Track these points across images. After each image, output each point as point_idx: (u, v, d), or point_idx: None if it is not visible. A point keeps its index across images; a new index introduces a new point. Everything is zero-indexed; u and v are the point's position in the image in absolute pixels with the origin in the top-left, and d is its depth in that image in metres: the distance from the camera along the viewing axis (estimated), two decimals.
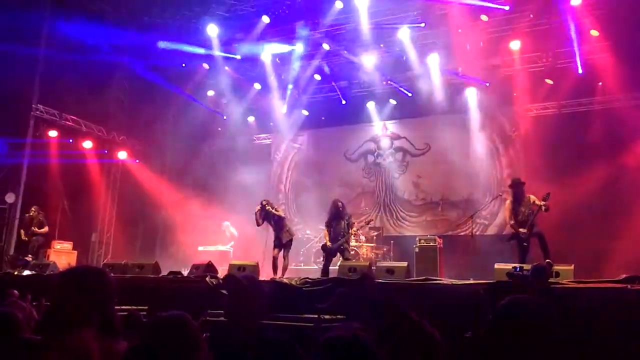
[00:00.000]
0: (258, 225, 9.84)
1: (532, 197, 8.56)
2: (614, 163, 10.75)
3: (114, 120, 14.53)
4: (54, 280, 2.44)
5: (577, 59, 11.27)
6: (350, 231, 9.62)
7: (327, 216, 9.77)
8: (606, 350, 5.55)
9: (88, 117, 13.69)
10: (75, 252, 12.53)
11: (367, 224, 11.21)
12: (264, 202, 9.82)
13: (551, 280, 6.44)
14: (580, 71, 11.41)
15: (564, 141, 11.61)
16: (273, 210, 9.73)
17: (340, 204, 9.65)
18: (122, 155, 14.62)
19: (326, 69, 13.63)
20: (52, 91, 12.41)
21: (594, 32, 10.98)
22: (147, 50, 12.86)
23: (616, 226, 10.24)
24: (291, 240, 9.80)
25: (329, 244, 9.47)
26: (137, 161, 14.82)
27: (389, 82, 13.55)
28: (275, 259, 9.48)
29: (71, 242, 12.66)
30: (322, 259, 12.22)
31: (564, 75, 11.80)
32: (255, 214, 9.75)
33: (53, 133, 12.96)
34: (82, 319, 2.15)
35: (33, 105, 12.33)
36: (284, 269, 9.40)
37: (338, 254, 9.62)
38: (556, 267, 7.34)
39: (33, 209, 11.83)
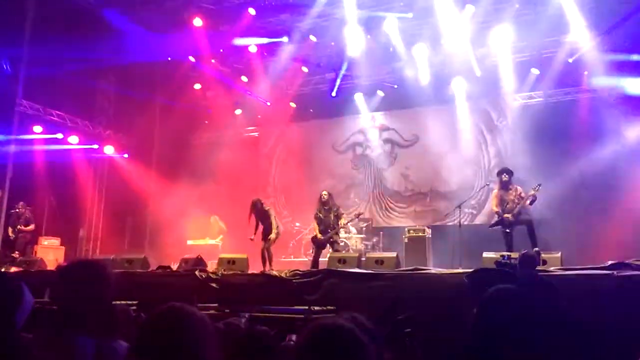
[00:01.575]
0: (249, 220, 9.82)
1: (519, 188, 8.65)
2: (600, 152, 10.84)
3: (99, 114, 14.40)
4: (55, 275, 2.41)
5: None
6: (339, 222, 9.66)
7: (316, 208, 9.81)
8: (592, 336, 5.62)
9: (73, 112, 13.55)
10: (63, 247, 12.45)
11: (357, 217, 11.24)
12: (255, 200, 9.86)
13: (539, 268, 6.51)
14: (571, 60, 11.48)
15: (550, 130, 11.67)
16: (265, 208, 9.78)
17: (328, 195, 9.69)
18: (108, 149, 14.50)
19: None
20: (37, 86, 12.27)
21: (579, 21, 11.02)
22: (132, 43, 12.72)
23: (602, 214, 10.35)
24: (278, 236, 9.82)
25: (319, 235, 9.51)
26: (125, 155, 14.70)
27: (376, 74, 13.56)
28: (263, 252, 9.49)
29: (59, 238, 12.57)
30: (311, 251, 12.29)
31: (550, 64, 11.86)
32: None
33: (38, 128, 12.82)
34: (78, 318, 2.12)
35: (17, 101, 12.18)
36: (270, 260, 9.44)
37: (328, 245, 9.66)
38: (543, 255, 7.43)
39: (20, 205, 11.73)
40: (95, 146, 14.30)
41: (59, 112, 13.24)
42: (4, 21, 10.72)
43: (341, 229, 10.08)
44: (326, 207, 9.58)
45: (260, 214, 9.76)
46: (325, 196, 9.65)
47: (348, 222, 10.66)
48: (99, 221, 14.57)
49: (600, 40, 10.91)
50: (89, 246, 14.26)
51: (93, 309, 2.15)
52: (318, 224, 9.62)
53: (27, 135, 12.62)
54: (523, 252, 6.14)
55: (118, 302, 5.83)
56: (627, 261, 6.65)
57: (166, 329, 1.78)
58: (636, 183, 10.38)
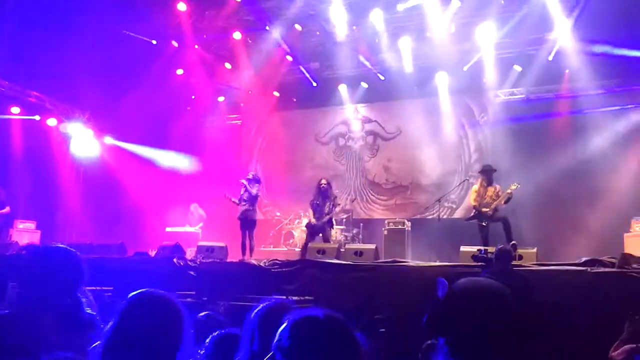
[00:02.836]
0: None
1: (498, 187, 8.75)
2: (579, 150, 11.00)
3: (79, 97, 14.13)
4: (22, 259, 2.35)
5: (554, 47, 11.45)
6: (335, 211, 9.69)
7: (312, 195, 9.76)
8: (567, 330, 5.73)
9: (52, 94, 13.31)
10: (39, 231, 12.25)
11: (352, 202, 11.39)
12: (251, 176, 9.82)
13: (514, 262, 6.60)
14: (550, 58, 11.58)
15: (530, 127, 11.81)
16: (252, 189, 9.63)
17: (327, 184, 9.67)
18: (87, 133, 14.26)
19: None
20: (16, 66, 12.03)
21: (563, 20, 11.11)
22: (115, 26, 12.51)
23: (578, 211, 10.53)
24: (255, 220, 9.72)
25: (313, 221, 9.47)
26: (105, 139, 14.49)
27: (360, 65, 13.53)
28: (244, 240, 9.42)
29: (34, 222, 12.38)
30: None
31: (532, 61, 11.95)
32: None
33: (15, 109, 12.58)
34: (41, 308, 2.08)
35: None
36: (251, 249, 9.39)
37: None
38: (520, 250, 7.53)
39: None
40: (76, 129, 14.06)
41: (38, 94, 13.00)
42: None
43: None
44: (323, 196, 9.55)
45: (247, 192, 9.63)
46: (324, 184, 9.62)
47: (344, 206, 10.84)
48: (76, 205, 14.35)
49: (580, 37, 11.00)
50: (65, 230, 14.06)
51: (58, 298, 2.11)
52: (314, 211, 9.57)
53: (4, 115, 12.40)
54: (499, 246, 6.22)
55: (92, 288, 5.78)
56: (600, 258, 6.78)
57: (144, 314, 1.79)
58: (614, 181, 10.57)
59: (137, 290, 1.96)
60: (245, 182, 9.71)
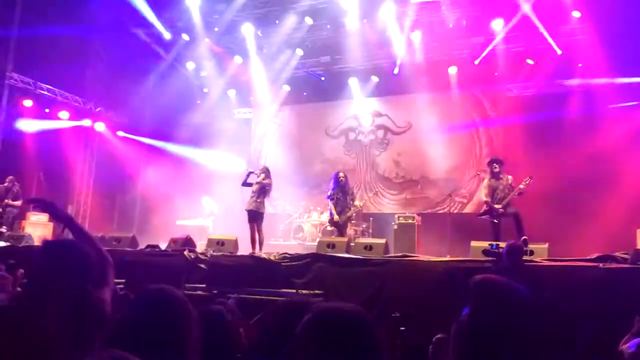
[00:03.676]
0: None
1: (510, 178, 8.68)
2: (590, 144, 10.89)
3: (91, 90, 14.23)
4: (35, 251, 2.35)
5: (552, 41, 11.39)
6: (354, 204, 9.66)
7: (330, 188, 9.70)
8: (577, 326, 5.70)
9: (64, 87, 13.40)
10: (51, 224, 12.37)
11: (374, 194, 12.13)
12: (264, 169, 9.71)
13: (525, 258, 6.55)
14: (559, 52, 11.48)
15: (542, 121, 11.70)
16: (264, 180, 9.48)
17: (345, 177, 9.61)
18: (99, 126, 14.37)
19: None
20: (28, 59, 12.12)
21: (576, 13, 11.01)
22: (126, 19, 12.57)
23: (590, 206, 10.43)
24: (262, 213, 9.64)
25: (336, 217, 9.44)
26: (119, 133, 14.58)
27: (371, 59, 13.48)
28: (252, 233, 9.39)
29: (47, 214, 12.48)
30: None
31: (544, 55, 11.84)
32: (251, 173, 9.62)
33: (28, 102, 12.67)
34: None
35: (7, 74, 12.03)
36: (260, 243, 9.34)
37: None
38: (531, 246, 7.48)
39: (8, 179, 11.62)
40: (87, 122, 14.17)
41: (50, 87, 13.09)
42: None
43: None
44: (343, 189, 9.51)
45: (256, 183, 9.53)
46: (342, 177, 9.56)
47: (363, 202, 10.91)
48: (88, 198, 14.48)
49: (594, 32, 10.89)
50: None
51: (72, 292, 2.10)
52: (335, 205, 9.53)
53: (17, 109, 12.49)
54: (510, 241, 6.18)
55: None
56: (613, 254, 6.73)
57: (157, 310, 1.79)
58: (626, 177, 10.45)
59: (148, 283, 1.96)
60: (257, 172, 9.62)
